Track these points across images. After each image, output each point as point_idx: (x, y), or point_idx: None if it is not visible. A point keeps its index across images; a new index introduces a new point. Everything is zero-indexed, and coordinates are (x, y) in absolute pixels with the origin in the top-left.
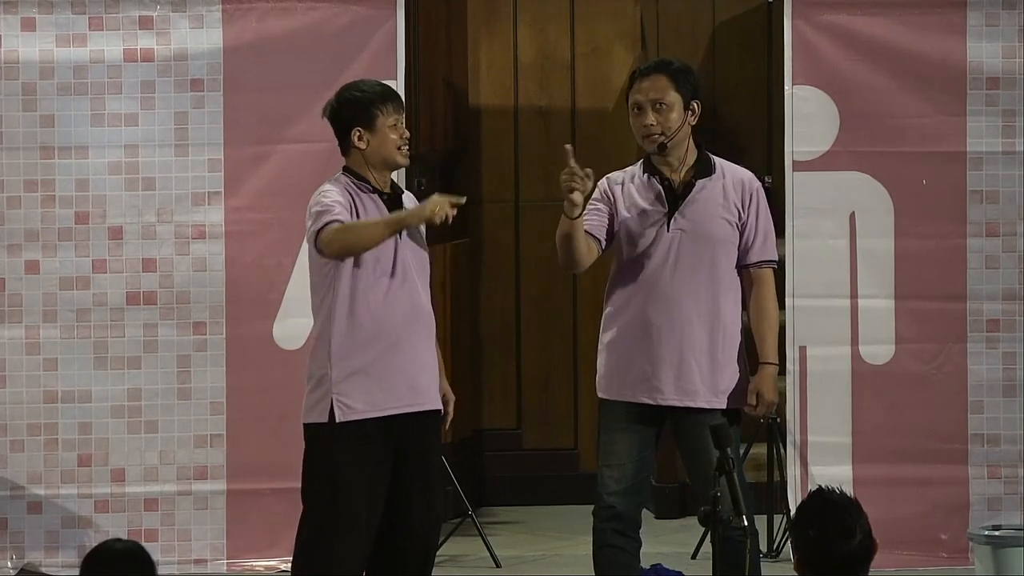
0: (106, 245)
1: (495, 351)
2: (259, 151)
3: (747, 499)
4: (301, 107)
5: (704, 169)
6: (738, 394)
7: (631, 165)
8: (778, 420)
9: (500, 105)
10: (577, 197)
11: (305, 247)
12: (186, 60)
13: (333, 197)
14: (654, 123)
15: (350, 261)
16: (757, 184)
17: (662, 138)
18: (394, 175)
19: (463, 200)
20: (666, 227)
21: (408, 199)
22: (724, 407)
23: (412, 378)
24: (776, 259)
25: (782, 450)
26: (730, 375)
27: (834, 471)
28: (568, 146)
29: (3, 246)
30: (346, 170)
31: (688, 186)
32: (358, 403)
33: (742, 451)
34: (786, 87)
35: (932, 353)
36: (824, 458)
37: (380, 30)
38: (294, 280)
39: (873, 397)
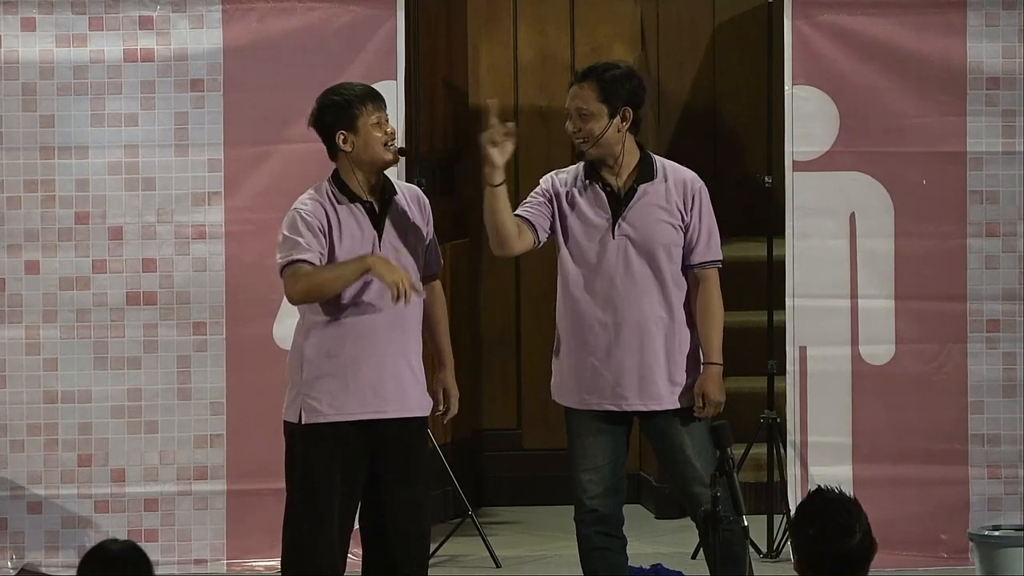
0: (106, 245)
1: (495, 351)
2: (259, 151)
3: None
4: (301, 107)
5: (646, 173)
6: (689, 392)
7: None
8: (778, 420)
9: (500, 105)
10: (496, 155)
11: None
12: (186, 60)
13: (304, 220)
14: (572, 130)
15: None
16: (700, 184)
17: (584, 145)
18: (391, 173)
19: (419, 293)
20: (611, 234)
21: (404, 198)
22: (688, 407)
23: (379, 385)
24: (720, 259)
25: (782, 450)
26: (685, 374)
27: (834, 471)
28: (491, 101)
29: (3, 246)
30: (333, 176)
31: (630, 192)
32: (323, 406)
33: (742, 452)
34: (786, 87)
35: (932, 353)
36: (824, 458)
37: (380, 30)
38: None
39: (873, 397)
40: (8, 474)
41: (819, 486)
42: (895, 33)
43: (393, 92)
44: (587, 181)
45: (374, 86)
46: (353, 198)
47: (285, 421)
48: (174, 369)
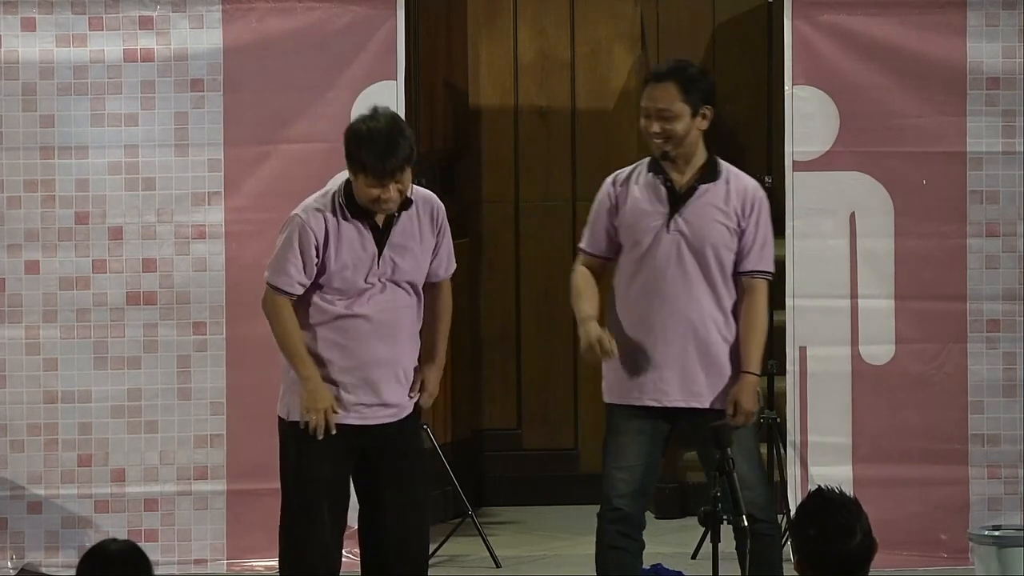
0: (106, 245)
1: (495, 351)
2: (259, 151)
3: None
4: (301, 107)
5: (709, 174)
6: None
7: (637, 161)
8: (778, 420)
9: (500, 105)
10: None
11: None
12: (186, 60)
13: (301, 236)
14: (658, 131)
15: (319, 277)
16: (761, 194)
17: (666, 146)
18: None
19: (332, 429)
20: (666, 228)
21: (417, 209)
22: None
23: (364, 396)
24: (772, 271)
25: (782, 450)
26: (730, 378)
27: (834, 471)
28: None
29: (3, 246)
30: (346, 185)
31: (690, 190)
32: (288, 413)
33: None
34: (786, 87)
35: (932, 353)
36: (824, 458)
37: (380, 30)
38: None
39: (873, 397)
40: (8, 474)
41: (819, 486)
42: (895, 33)
43: (393, 92)
44: (650, 175)
45: (374, 86)
46: (358, 214)
47: (278, 416)
48: (174, 369)
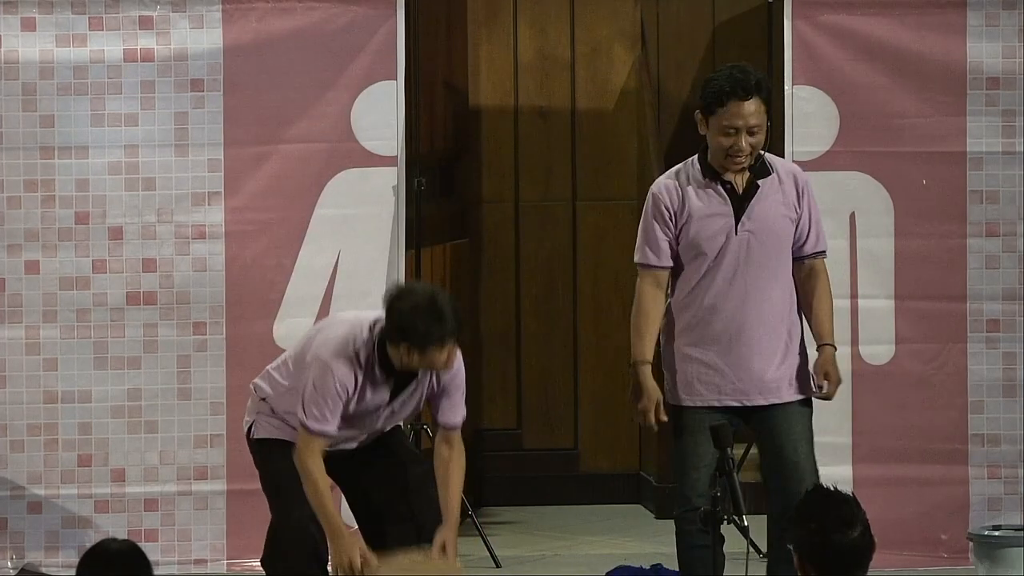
0: (106, 245)
1: (495, 351)
2: (259, 151)
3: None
4: (301, 107)
5: (762, 169)
6: (805, 383)
7: (673, 164)
8: None
9: (500, 105)
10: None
11: (305, 249)
12: (186, 60)
13: (335, 389)
14: (746, 147)
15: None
16: (805, 177)
17: (745, 160)
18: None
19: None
20: (734, 230)
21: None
22: (801, 397)
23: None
24: (826, 249)
25: None
26: (800, 366)
27: (834, 471)
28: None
29: (3, 246)
30: (380, 345)
31: (751, 188)
32: (263, 434)
33: (742, 451)
34: (786, 87)
35: (932, 353)
36: (824, 458)
37: (380, 30)
38: (294, 280)
39: (873, 397)
40: (8, 474)
41: (818, 484)
42: (895, 33)
43: (393, 92)
44: (706, 179)
45: (374, 86)
46: (390, 372)
47: (248, 438)
48: (174, 369)
